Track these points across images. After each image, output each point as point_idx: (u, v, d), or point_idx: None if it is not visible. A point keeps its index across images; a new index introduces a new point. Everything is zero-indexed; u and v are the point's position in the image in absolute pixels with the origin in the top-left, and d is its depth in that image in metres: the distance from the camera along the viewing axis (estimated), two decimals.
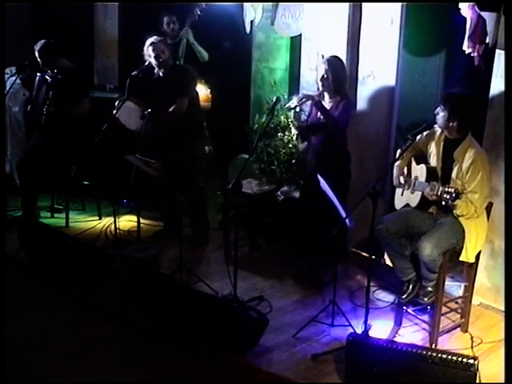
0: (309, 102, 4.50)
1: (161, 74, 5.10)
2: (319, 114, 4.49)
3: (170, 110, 5.00)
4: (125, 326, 4.24)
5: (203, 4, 5.89)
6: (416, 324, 4.20)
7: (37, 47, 5.43)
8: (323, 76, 4.42)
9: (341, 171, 4.56)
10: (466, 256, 3.90)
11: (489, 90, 4.20)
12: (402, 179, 4.09)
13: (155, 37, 5.07)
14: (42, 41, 5.46)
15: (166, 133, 5.06)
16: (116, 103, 5.12)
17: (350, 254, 5.10)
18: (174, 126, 5.02)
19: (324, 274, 4.70)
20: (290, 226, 5.07)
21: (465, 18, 4.29)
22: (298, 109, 4.48)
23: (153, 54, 4.99)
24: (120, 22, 6.96)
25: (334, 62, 4.44)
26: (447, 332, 4.09)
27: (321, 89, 4.49)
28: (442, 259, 3.79)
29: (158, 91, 5.11)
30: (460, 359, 3.22)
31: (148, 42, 5.02)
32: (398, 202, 4.21)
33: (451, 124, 3.83)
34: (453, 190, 3.54)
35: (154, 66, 5.05)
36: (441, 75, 4.95)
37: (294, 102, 4.42)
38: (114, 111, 5.00)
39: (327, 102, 4.51)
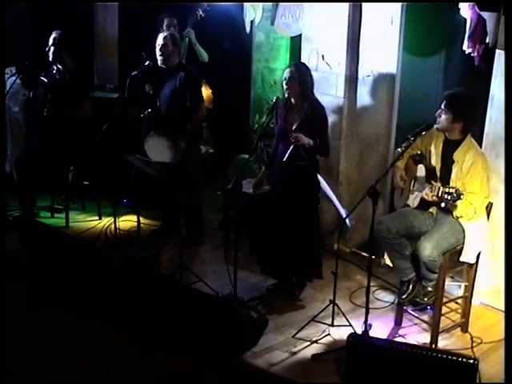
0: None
1: (164, 67, 5.02)
2: (285, 122, 4.36)
3: (191, 124, 4.99)
4: (125, 326, 4.24)
5: (205, 4, 5.87)
6: (416, 324, 4.21)
7: (53, 35, 5.38)
8: (289, 79, 4.25)
9: (309, 181, 4.35)
10: (466, 256, 3.90)
11: (489, 90, 4.21)
12: (401, 180, 4.09)
13: (170, 31, 5.08)
14: (57, 31, 5.42)
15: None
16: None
17: (347, 255, 5.10)
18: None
19: (297, 286, 4.57)
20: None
21: (465, 18, 4.29)
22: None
23: (158, 43, 4.95)
24: (120, 22, 6.95)
25: (298, 67, 4.33)
26: (447, 332, 4.09)
27: (286, 94, 4.34)
28: (442, 259, 3.79)
29: (160, 87, 5.10)
30: (460, 359, 3.22)
31: (161, 35, 5.02)
32: (398, 203, 4.21)
33: (456, 126, 3.82)
34: (454, 191, 3.53)
35: (157, 57, 4.98)
36: (441, 75, 4.95)
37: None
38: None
39: (294, 109, 4.35)
